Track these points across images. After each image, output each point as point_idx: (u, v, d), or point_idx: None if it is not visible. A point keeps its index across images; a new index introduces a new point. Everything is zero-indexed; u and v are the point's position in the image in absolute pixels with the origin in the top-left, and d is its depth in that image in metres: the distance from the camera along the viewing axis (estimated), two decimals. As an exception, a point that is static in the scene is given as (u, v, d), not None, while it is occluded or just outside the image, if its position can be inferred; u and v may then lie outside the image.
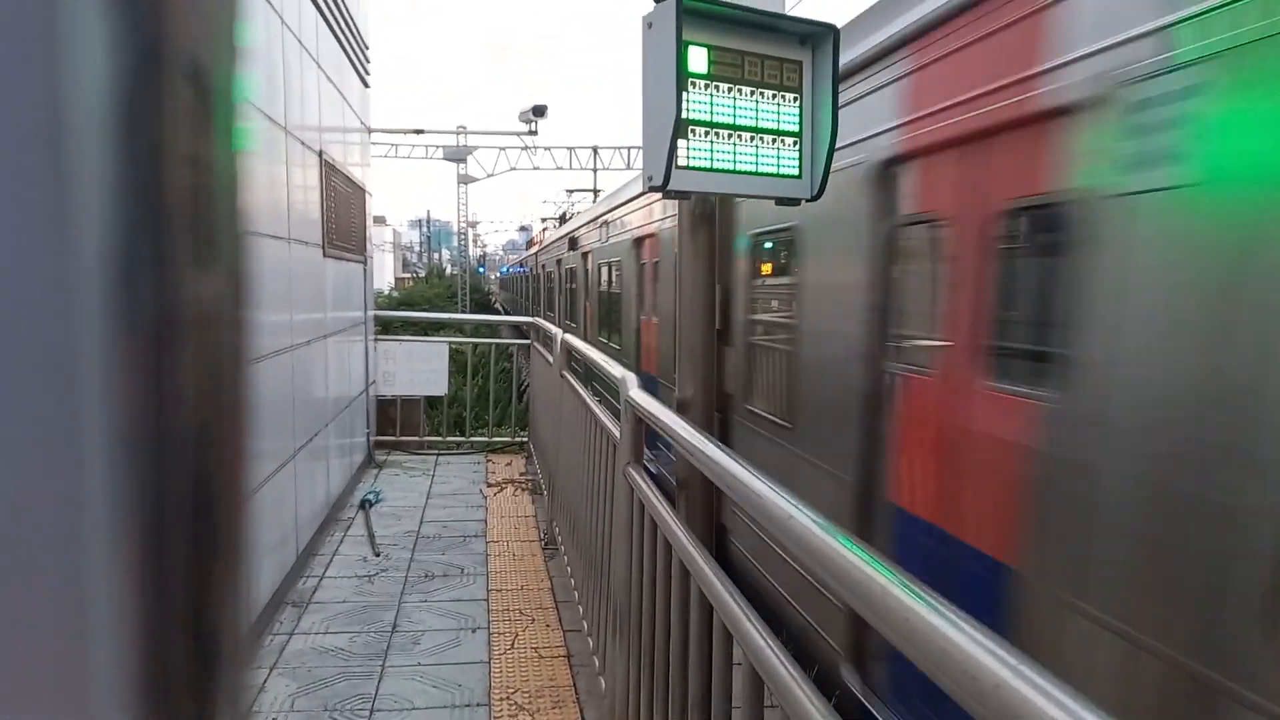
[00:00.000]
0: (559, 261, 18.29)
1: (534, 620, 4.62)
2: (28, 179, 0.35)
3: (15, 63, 0.34)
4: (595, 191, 35.04)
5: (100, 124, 0.35)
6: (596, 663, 3.70)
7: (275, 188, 4.68)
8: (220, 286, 0.40)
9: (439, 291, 38.50)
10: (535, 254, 28.87)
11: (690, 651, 2.02)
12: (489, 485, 7.61)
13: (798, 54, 2.52)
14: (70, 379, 0.35)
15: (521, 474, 8.05)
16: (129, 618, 0.37)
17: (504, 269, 66.80)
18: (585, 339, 9.94)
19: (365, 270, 7.90)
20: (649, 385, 3.34)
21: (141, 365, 0.37)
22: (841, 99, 2.52)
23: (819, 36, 2.47)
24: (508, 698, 3.76)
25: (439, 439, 9.25)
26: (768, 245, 5.48)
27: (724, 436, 2.53)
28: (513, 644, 4.32)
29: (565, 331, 5.60)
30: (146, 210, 0.36)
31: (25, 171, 0.35)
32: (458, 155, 34.02)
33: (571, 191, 41.20)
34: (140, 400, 0.37)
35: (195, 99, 0.38)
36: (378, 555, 5.65)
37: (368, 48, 7.98)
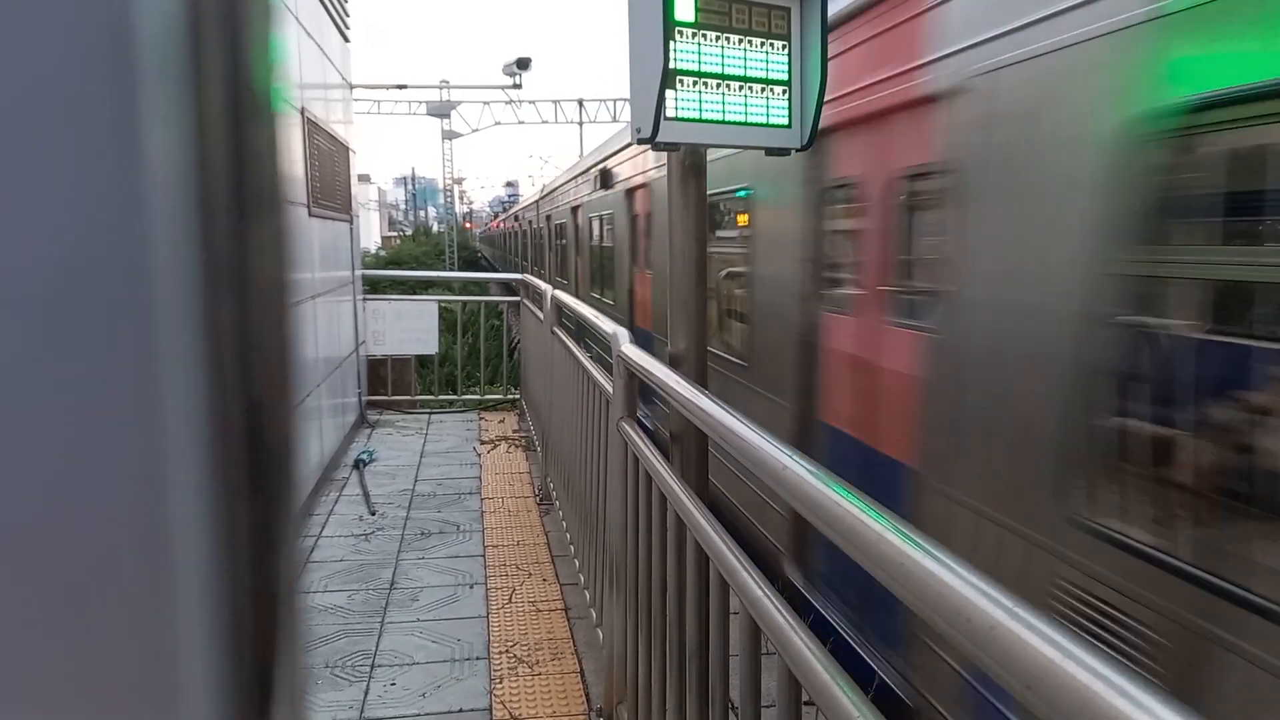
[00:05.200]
0: (574, 211, 13.23)
1: (531, 575, 4.67)
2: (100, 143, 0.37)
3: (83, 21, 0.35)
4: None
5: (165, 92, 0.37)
6: (594, 615, 3.75)
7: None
8: (271, 244, 0.42)
9: (426, 250, 38.22)
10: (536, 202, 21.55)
11: (687, 602, 2.04)
12: (482, 443, 7.64)
13: (785, 0, 2.48)
14: (150, 330, 0.37)
15: (515, 431, 8.07)
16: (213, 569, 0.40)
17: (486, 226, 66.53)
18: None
19: (351, 229, 7.83)
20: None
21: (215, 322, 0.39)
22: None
23: (808, -19, 2.42)
24: (507, 651, 3.81)
25: (431, 398, 9.26)
26: None
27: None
28: (510, 598, 4.37)
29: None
30: (209, 168, 0.38)
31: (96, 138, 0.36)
32: (441, 110, 33.53)
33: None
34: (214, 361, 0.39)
35: (237, 56, 0.39)
36: (373, 514, 5.69)
37: (347, 1, 7.81)
